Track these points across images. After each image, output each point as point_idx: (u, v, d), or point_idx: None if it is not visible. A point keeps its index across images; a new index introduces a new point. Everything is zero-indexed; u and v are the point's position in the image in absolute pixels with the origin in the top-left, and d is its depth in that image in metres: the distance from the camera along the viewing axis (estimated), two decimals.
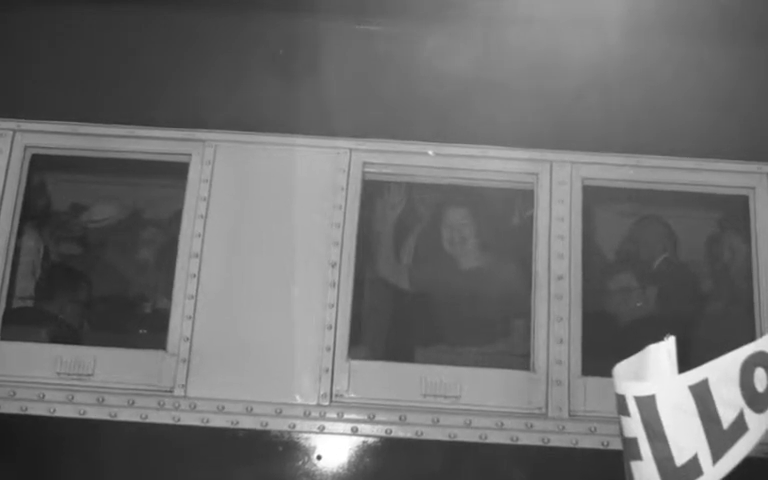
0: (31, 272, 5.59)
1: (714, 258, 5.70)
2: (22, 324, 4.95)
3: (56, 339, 4.85)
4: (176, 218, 5.02)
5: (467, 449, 4.46)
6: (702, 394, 2.21)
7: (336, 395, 4.54)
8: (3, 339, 4.70)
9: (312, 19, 4.94)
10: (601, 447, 4.40)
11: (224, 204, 4.81)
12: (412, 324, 5.34)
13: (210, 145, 4.89)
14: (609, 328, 5.17)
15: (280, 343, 4.61)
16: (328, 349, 4.58)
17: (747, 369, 2.24)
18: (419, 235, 5.81)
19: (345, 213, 4.77)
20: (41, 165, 5.14)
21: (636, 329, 5.12)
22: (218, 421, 4.48)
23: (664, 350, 2.23)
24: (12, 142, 4.89)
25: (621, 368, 2.31)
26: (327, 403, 4.52)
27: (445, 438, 4.47)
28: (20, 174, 4.87)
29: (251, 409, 4.49)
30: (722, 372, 2.23)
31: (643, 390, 2.22)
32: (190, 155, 4.89)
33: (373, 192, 5.25)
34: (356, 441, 4.49)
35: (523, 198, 5.24)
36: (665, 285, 5.49)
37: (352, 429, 4.49)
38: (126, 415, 4.49)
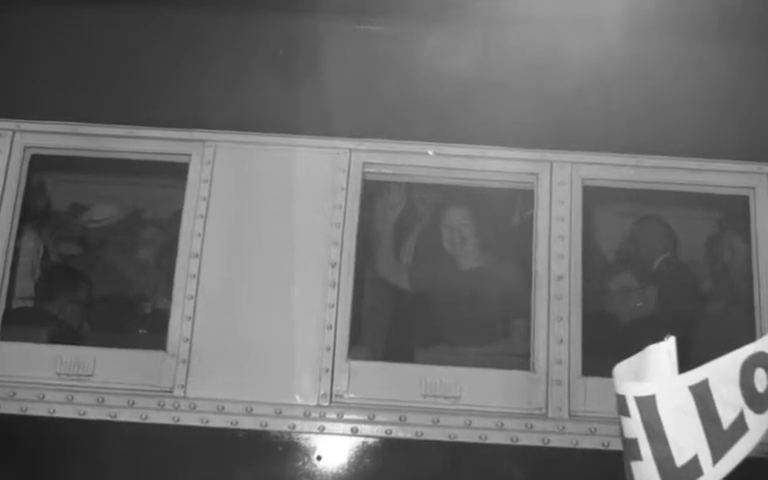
0: (31, 272, 5.59)
1: (714, 258, 5.70)
2: (22, 324, 4.95)
3: (56, 339, 4.85)
4: (176, 218, 5.01)
5: (467, 450, 4.46)
6: (702, 394, 2.21)
7: (336, 395, 4.54)
8: (3, 339, 4.69)
9: (312, 19, 4.94)
10: (601, 447, 4.40)
11: (224, 204, 4.81)
12: (412, 324, 5.34)
13: (210, 145, 4.89)
14: (609, 328, 5.17)
15: (280, 343, 4.60)
16: (328, 349, 4.58)
17: (747, 369, 2.24)
18: (419, 235, 5.81)
19: (345, 213, 4.77)
20: (41, 165, 5.14)
21: (636, 329, 5.12)
22: (218, 421, 4.48)
23: (664, 350, 2.22)
24: (12, 142, 4.88)
25: (621, 368, 2.31)
26: (327, 403, 4.52)
27: (445, 438, 4.46)
28: (20, 174, 4.86)
29: (251, 409, 4.48)
30: (722, 372, 2.23)
31: (643, 390, 2.22)
32: (190, 155, 4.88)
33: (373, 192, 5.25)
34: (356, 441, 4.49)
35: (523, 198, 5.24)
36: (665, 285, 5.49)
37: (352, 429, 4.49)
38: (126, 415, 4.49)
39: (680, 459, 2.20)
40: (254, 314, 4.64)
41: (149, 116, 4.93)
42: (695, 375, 2.23)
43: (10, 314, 4.90)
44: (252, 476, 4.48)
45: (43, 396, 4.51)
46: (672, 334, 2.23)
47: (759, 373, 2.24)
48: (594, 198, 5.05)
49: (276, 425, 4.48)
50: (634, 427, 2.23)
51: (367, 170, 4.91)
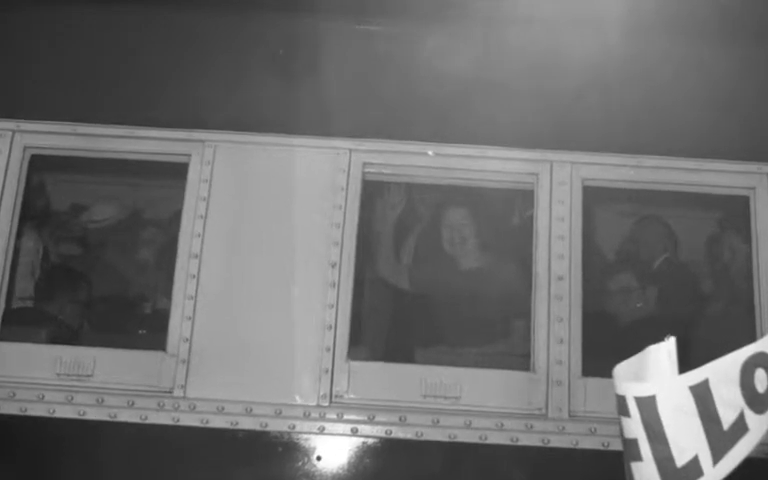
0: (30, 272, 5.59)
1: (714, 258, 5.70)
2: (22, 325, 4.94)
3: (56, 340, 4.85)
4: (176, 218, 5.01)
5: (467, 450, 4.46)
6: (702, 395, 2.21)
7: (336, 396, 4.53)
8: (3, 340, 4.68)
9: (312, 19, 4.93)
10: (601, 448, 4.39)
11: (224, 204, 4.81)
12: (412, 324, 5.34)
13: (210, 145, 4.89)
14: (609, 328, 5.16)
15: (280, 344, 4.60)
16: (328, 350, 4.57)
17: (747, 370, 2.23)
18: (419, 235, 5.80)
19: (345, 213, 4.77)
20: (40, 165, 5.13)
21: (636, 329, 5.11)
22: (218, 422, 4.47)
23: (664, 351, 2.22)
24: (11, 142, 4.88)
25: (621, 369, 2.30)
26: (327, 404, 4.52)
27: (445, 439, 4.46)
28: (19, 174, 4.86)
29: (251, 410, 4.48)
30: (722, 373, 2.23)
31: (643, 391, 2.21)
32: (190, 155, 4.88)
33: (373, 192, 5.25)
34: (356, 442, 4.48)
35: (523, 198, 5.24)
36: (665, 285, 5.49)
37: (352, 430, 4.49)
38: (126, 416, 4.49)
39: (680, 459, 2.20)
40: (254, 314, 4.64)
41: (149, 116, 4.93)
42: (695, 375, 2.22)
43: (10, 314, 4.89)
44: (252, 476, 4.47)
45: (43, 396, 4.51)
46: (672, 334, 2.23)
47: (759, 373, 2.24)
48: (594, 198, 5.05)
49: (276, 425, 4.48)
50: (634, 427, 2.23)
51: (367, 170, 4.90)
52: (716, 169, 4.88)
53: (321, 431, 4.49)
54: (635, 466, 2.25)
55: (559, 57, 4.73)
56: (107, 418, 4.48)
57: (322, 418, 4.50)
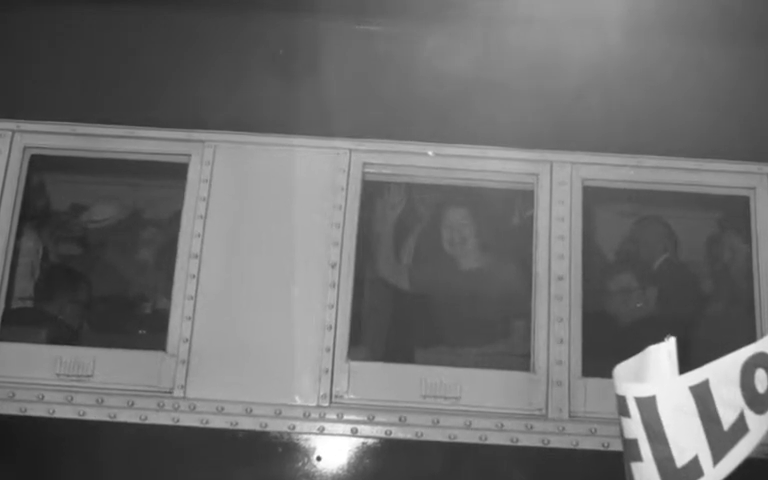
0: (30, 273, 5.58)
1: (714, 258, 5.70)
2: (21, 325, 4.94)
3: (55, 340, 4.85)
4: (176, 218, 5.01)
5: (467, 450, 4.45)
6: (703, 395, 2.21)
7: (336, 396, 4.53)
8: (2, 340, 4.68)
9: (312, 19, 4.93)
10: (601, 448, 4.39)
11: (224, 204, 4.81)
12: (412, 325, 5.33)
13: (210, 145, 4.89)
14: (609, 329, 5.16)
15: (280, 344, 4.60)
16: (328, 350, 4.57)
17: (748, 370, 2.23)
18: (419, 235, 5.80)
19: (345, 213, 4.77)
20: (40, 165, 5.13)
21: (636, 330, 5.11)
22: (218, 422, 4.47)
23: (664, 351, 2.22)
24: (11, 143, 4.88)
25: (621, 369, 2.30)
26: (327, 404, 4.52)
27: (445, 439, 4.46)
28: (19, 175, 4.86)
29: (251, 410, 4.48)
30: (723, 373, 2.23)
31: (643, 391, 2.21)
32: (190, 155, 4.88)
33: (373, 192, 5.24)
34: (356, 442, 4.48)
35: (523, 198, 5.24)
36: (665, 286, 5.48)
37: (352, 430, 4.49)
38: (125, 416, 4.49)
39: (680, 460, 2.20)
40: (254, 314, 4.64)
41: (149, 116, 4.93)
42: (695, 376, 2.22)
43: (9, 314, 4.89)
44: (252, 477, 4.47)
45: (42, 397, 4.50)
46: (672, 335, 2.23)
47: (760, 374, 2.24)
48: (594, 198, 5.05)
49: (276, 426, 4.48)
50: (634, 428, 2.23)
51: (367, 170, 4.90)
52: (716, 169, 4.88)
53: (321, 431, 4.49)
54: (635, 466, 2.25)
55: (559, 57, 4.73)
56: (107, 418, 4.48)
57: (322, 418, 4.49)
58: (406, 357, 4.82)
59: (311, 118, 4.87)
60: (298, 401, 4.52)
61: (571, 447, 4.45)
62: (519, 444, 4.45)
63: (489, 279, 5.27)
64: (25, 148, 4.91)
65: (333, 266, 4.70)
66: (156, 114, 4.93)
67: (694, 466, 2.20)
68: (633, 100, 4.84)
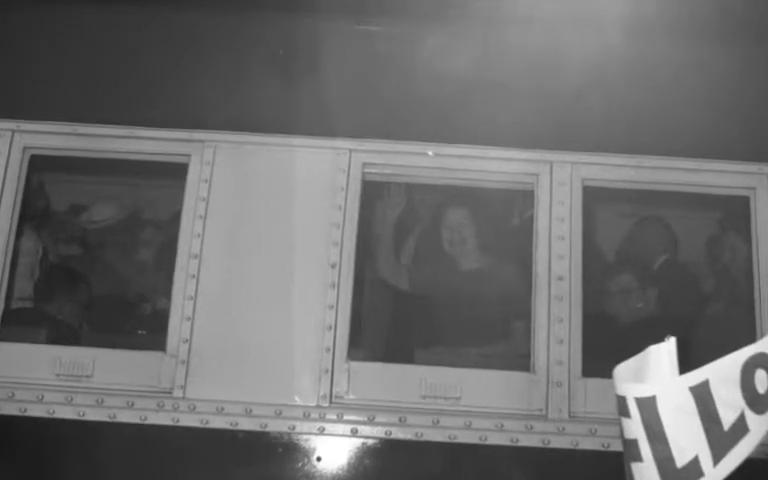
0: (30, 273, 5.58)
1: (714, 259, 5.70)
2: (21, 325, 4.94)
3: (55, 340, 4.84)
4: (175, 219, 5.01)
5: (467, 451, 4.45)
6: (703, 395, 2.21)
7: (336, 396, 4.53)
8: (2, 340, 4.68)
9: (312, 19, 4.93)
10: (601, 449, 4.39)
11: (223, 205, 4.80)
12: (412, 325, 5.33)
13: (210, 145, 4.88)
14: (609, 329, 5.15)
15: (279, 344, 4.60)
16: (328, 350, 4.57)
17: (748, 370, 2.23)
18: (419, 236, 5.80)
19: (345, 213, 4.77)
20: (40, 166, 5.13)
21: (636, 330, 5.11)
22: (217, 422, 4.47)
23: (665, 351, 2.22)
24: (11, 143, 4.88)
25: (621, 369, 2.30)
26: (327, 404, 4.51)
27: (445, 439, 4.46)
28: (19, 175, 4.86)
29: (250, 410, 4.48)
30: (723, 373, 2.23)
31: (644, 391, 2.21)
32: (189, 156, 4.88)
33: (373, 193, 5.24)
34: (356, 442, 4.48)
35: (523, 199, 5.24)
36: (665, 286, 5.48)
37: (352, 430, 4.48)
38: (125, 416, 4.48)
39: (681, 460, 2.20)
40: (254, 315, 4.64)
41: (149, 116, 4.93)
42: (696, 376, 2.22)
43: (9, 315, 4.89)
44: (252, 477, 4.47)
45: (42, 397, 4.50)
46: (672, 335, 2.23)
47: (760, 374, 2.24)
48: (594, 199, 5.04)
49: (276, 426, 4.48)
50: (634, 428, 2.23)
51: (367, 170, 4.90)
52: (716, 169, 4.88)
53: (321, 432, 4.48)
54: (635, 467, 2.25)
55: (559, 57, 4.73)
56: (107, 419, 4.48)
57: (322, 419, 4.49)
58: (406, 357, 4.81)
59: (311, 118, 4.87)
60: (298, 401, 4.52)
61: (571, 447, 4.44)
62: (519, 444, 4.45)
63: (489, 279, 5.26)
64: (25, 148, 4.90)
65: (333, 266, 4.69)
66: (156, 114, 4.92)
67: (694, 466, 2.20)
68: (633, 100, 4.84)
